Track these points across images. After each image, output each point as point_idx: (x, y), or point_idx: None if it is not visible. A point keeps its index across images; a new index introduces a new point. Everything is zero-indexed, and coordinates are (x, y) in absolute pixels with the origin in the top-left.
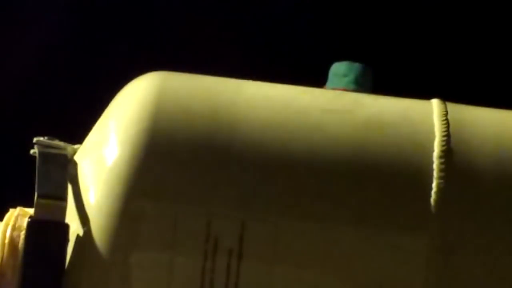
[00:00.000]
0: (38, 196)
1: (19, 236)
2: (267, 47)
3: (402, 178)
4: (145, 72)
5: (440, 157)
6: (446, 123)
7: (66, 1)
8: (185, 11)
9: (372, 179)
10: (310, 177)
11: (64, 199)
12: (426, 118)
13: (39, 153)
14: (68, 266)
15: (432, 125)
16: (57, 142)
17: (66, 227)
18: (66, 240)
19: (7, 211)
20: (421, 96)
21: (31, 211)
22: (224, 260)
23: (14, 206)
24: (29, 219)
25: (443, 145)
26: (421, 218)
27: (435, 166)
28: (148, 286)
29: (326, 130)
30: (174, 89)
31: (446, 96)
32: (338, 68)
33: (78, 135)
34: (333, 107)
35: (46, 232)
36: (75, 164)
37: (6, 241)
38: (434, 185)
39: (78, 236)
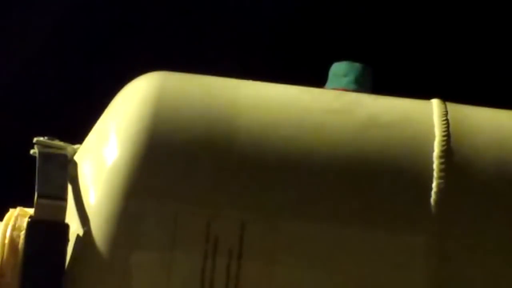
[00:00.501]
0: (38, 196)
1: (19, 236)
2: (267, 47)
3: (402, 178)
4: (145, 72)
5: (440, 157)
6: (446, 123)
7: (67, 1)
8: (185, 11)
9: (372, 179)
10: (310, 177)
11: (64, 199)
12: (426, 118)
13: (39, 153)
14: (68, 266)
15: (432, 125)
16: (57, 142)
17: (66, 227)
18: (66, 240)
19: (7, 211)
20: (421, 96)
21: (31, 211)
22: (224, 260)
23: (14, 206)
24: (29, 219)
25: (443, 145)
26: (421, 218)
27: (435, 166)
28: (148, 286)
29: (326, 130)
30: (174, 89)
31: (446, 96)
32: (338, 68)
33: (78, 135)
34: (333, 107)
35: (46, 232)
36: (75, 164)
37: (6, 241)
38: (434, 185)
39: (78, 236)
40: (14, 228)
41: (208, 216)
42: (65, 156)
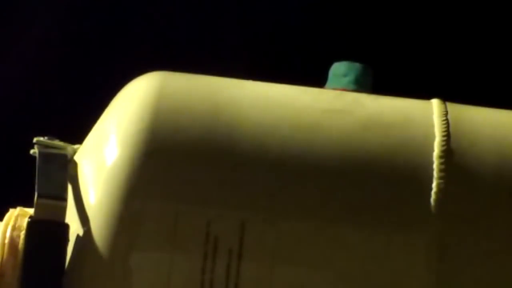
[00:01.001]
0: (38, 196)
1: (19, 236)
2: (267, 47)
3: (402, 178)
4: (145, 72)
5: (440, 157)
6: (446, 123)
7: (66, 1)
8: (185, 11)
9: (372, 179)
10: (310, 177)
11: (64, 199)
12: (426, 118)
13: (39, 153)
14: (68, 266)
15: (432, 125)
16: (57, 142)
17: (66, 227)
18: (66, 240)
19: (7, 211)
20: (421, 96)
21: (31, 211)
22: (224, 260)
23: (14, 206)
24: (29, 219)
25: (443, 145)
26: (421, 218)
27: (435, 166)
28: (148, 286)
29: (326, 130)
30: (174, 89)
31: (446, 96)
32: (338, 68)
33: (78, 135)
34: (333, 107)
35: (46, 232)
36: (75, 164)
37: (6, 241)
38: (434, 185)
39: (78, 236)
40: (14, 228)
41: (208, 216)
42: (65, 156)
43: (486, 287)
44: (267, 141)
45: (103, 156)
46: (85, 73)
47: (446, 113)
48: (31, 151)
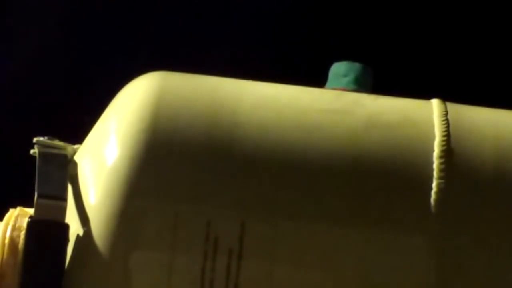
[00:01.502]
0: (38, 196)
1: (19, 236)
2: (267, 47)
3: (402, 178)
4: (145, 72)
5: (440, 157)
6: (446, 123)
7: (67, 1)
8: (185, 11)
9: (372, 179)
10: (310, 177)
11: (64, 199)
12: (426, 118)
13: (39, 153)
14: (68, 266)
15: (432, 125)
16: (57, 142)
17: (66, 227)
18: (66, 240)
19: (7, 211)
20: (421, 96)
21: (31, 211)
22: (224, 260)
23: (14, 206)
24: (29, 219)
25: (443, 145)
26: (421, 218)
27: (435, 166)
28: (148, 286)
29: (326, 130)
30: (174, 89)
31: (446, 96)
32: (338, 68)
33: (78, 135)
34: (333, 107)
35: (46, 232)
36: (75, 164)
37: (6, 241)
38: (434, 185)
39: (78, 236)
40: (14, 228)
41: (208, 216)
42: (65, 156)
43: (486, 287)
44: (267, 141)
45: (103, 156)
46: (85, 73)
47: (446, 113)
48: (31, 151)
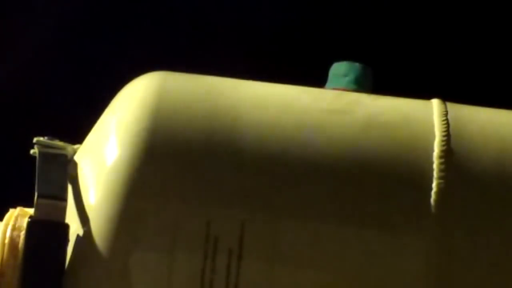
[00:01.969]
0: (38, 196)
1: (19, 236)
2: (267, 47)
3: (402, 178)
4: (145, 72)
5: (440, 157)
6: (446, 123)
7: (67, 0)
8: (185, 11)
9: (372, 179)
10: (310, 177)
11: (64, 199)
12: (426, 118)
13: (39, 153)
14: (68, 266)
15: (432, 125)
16: (57, 142)
17: (66, 227)
18: (66, 240)
19: (7, 211)
20: (421, 96)
21: (31, 211)
22: (224, 260)
23: (14, 206)
24: (29, 219)
25: (443, 145)
26: (421, 218)
27: (435, 166)
28: (148, 286)
29: (326, 130)
30: (174, 89)
31: (446, 96)
32: (338, 68)
33: (78, 135)
34: (333, 107)
35: (46, 232)
36: (75, 164)
37: (6, 241)
38: (434, 185)
39: (78, 236)
40: (14, 228)
41: (208, 216)
42: (65, 156)
43: (486, 287)
44: (267, 141)
45: (103, 156)
46: (85, 73)
47: (446, 113)
48: (31, 151)
